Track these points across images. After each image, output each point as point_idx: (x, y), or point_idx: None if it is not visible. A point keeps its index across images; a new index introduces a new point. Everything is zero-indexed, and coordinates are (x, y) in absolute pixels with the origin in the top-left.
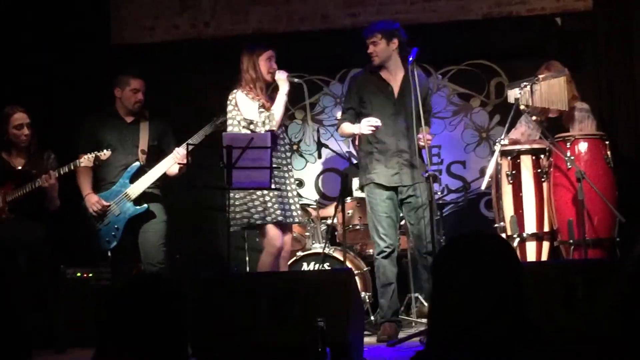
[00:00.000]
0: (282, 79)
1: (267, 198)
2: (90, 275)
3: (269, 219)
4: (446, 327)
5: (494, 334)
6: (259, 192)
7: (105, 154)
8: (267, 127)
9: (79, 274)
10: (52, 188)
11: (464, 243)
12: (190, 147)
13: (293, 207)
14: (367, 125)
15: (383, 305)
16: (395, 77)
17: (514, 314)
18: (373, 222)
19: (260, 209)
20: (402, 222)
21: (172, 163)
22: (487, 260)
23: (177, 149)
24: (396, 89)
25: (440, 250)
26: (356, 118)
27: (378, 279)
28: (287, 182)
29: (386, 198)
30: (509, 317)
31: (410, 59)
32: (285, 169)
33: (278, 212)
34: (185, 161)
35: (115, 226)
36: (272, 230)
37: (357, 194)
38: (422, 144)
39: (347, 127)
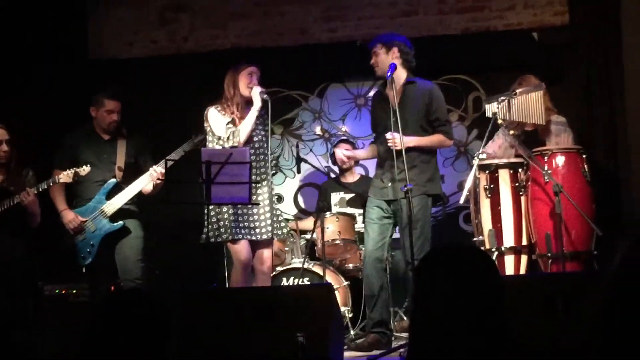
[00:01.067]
0: (256, 94)
1: (224, 215)
2: (69, 291)
3: (224, 236)
4: (426, 339)
5: (473, 345)
6: (217, 209)
7: (84, 169)
8: (231, 143)
9: (57, 291)
10: (32, 205)
11: (445, 254)
12: (169, 164)
13: (263, 224)
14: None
15: (367, 314)
16: (395, 89)
17: (494, 325)
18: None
19: (215, 226)
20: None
21: (148, 181)
22: (467, 271)
23: (154, 167)
24: (394, 102)
25: (420, 261)
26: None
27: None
28: (260, 197)
29: (375, 206)
30: (489, 329)
31: (389, 74)
32: (259, 185)
33: (234, 230)
34: (162, 178)
35: (91, 242)
36: (233, 245)
37: (336, 209)
38: (390, 144)
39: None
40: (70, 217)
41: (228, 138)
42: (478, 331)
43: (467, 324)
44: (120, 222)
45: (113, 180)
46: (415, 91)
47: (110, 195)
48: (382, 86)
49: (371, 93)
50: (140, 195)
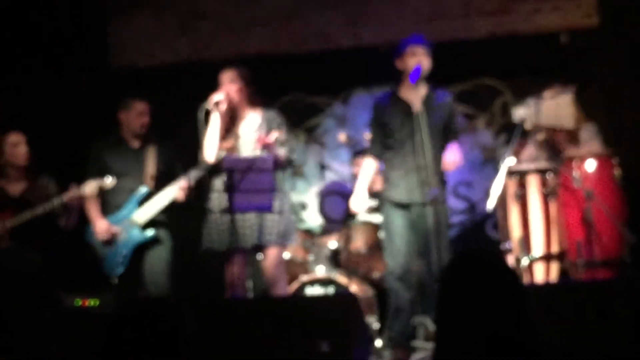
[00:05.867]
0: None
1: (210, 225)
2: (92, 302)
3: (216, 245)
4: (450, 346)
5: (496, 353)
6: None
7: (108, 182)
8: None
9: (80, 302)
10: (74, 207)
11: (469, 263)
12: (195, 177)
13: (248, 231)
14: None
15: (393, 329)
16: (417, 93)
17: (517, 334)
18: (386, 241)
19: (212, 235)
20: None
21: (177, 192)
22: (490, 281)
23: (180, 180)
24: (417, 107)
25: (445, 269)
26: (382, 149)
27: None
28: None
29: (399, 215)
30: (512, 338)
31: (416, 78)
32: None
33: (214, 239)
34: (189, 191)
35: (123, 252)
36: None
37: (361, 217)
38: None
39: (358, 183)
40: (104, 227)
41: None
42: (501, 339)
43: (489, 332)
44: (152, 232)
45: (144, 188)
46: (436, 99)
47: (141, 203)
48: (396, 88)
49: None
50: (171, 203)
